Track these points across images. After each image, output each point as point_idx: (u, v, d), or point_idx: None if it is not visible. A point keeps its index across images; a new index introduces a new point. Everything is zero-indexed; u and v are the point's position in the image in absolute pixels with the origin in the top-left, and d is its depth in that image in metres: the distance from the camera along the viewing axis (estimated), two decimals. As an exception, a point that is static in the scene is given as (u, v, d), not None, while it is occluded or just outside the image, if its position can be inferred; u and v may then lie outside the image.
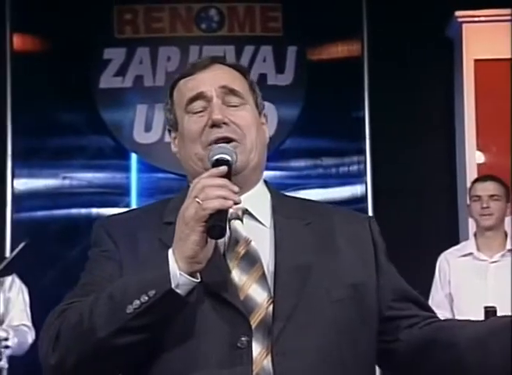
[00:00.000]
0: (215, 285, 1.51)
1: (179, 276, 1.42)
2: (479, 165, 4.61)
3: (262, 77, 4.93)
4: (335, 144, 4.97)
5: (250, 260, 1.56)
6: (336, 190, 4.94)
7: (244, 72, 1.69)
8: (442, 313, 3.90)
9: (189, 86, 1.63)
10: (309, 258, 1.58)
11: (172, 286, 1.41)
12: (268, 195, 1.69)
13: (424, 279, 4.00)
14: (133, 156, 4.94)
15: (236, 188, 1.44)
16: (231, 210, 1.51)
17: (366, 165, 4.90)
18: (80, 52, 4.92)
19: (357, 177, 4.93)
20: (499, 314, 3.52)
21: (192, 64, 1.68)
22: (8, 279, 3.96)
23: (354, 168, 4.95)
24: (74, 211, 4.89)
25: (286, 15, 5.01)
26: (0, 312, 3.87)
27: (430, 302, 3.92)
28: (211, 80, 1.62)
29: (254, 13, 5.03)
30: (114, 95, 4.94)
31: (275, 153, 4.77)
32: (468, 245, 4.04)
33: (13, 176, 4.90)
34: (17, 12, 4.94)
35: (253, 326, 1.50)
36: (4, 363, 3.84)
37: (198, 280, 1.44)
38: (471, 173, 4.51)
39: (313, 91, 4.95)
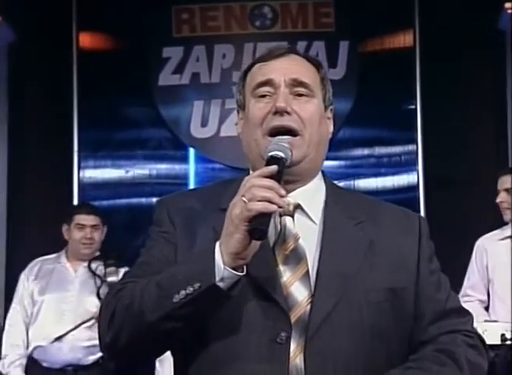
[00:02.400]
0: (260, 279, 1.53)
1: (223, 269, 1.44)
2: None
3: None
4: (387, 134, 5.05)
5: (297, 257, 1.57)
6: (388, 179, 5.01)
7: (318, 65, 1.68)
8: (476, 295, 4.03)
9: (261, 71, 1.64)
10: (353, 260, 1.57)
11: (217, 280, 1.44)
12: (324, 190, 1.67)
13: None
14: (191, 149, 5.10)
15: (283, 192, 1.44)
16: (284, 207, 1.51)
17: (418, 154, 4.96)
18: (141, 51, 5.11)
19: (408, 166, 4.99)
20: None
21: (269, 50, 1.67)
22: (123, 270, 4.13)
23: (406, 157, 5.02)
24: (135, 200, 5.07)
25: (338, 10, 5.10)
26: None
27: (465, 284, 4.08)
28: (284, 69, 1.62)
29: (306, 10, 5.14)
30: (172, 92, 5.10)
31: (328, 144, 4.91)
32: (507, 229, 4.05)
33: (79, 168, 5.11)
34: (83, 11, 5.15)
35: (292, 323, 1.51)
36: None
37: (242, 274, 1.46)
38: (524, 162, 4.56)
39: (365, 84, 5.01)
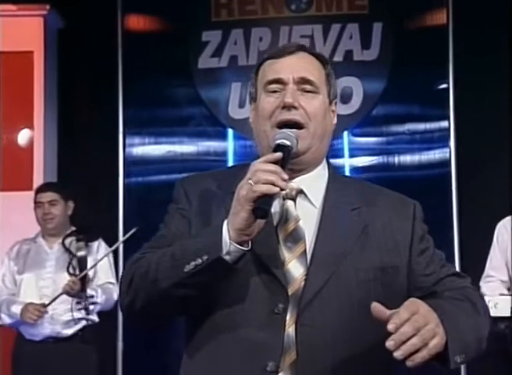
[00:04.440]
0: (263, 255, 1.65)
1: (229, 244, 1.56)
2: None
3: (349, 54, 5.11)
4: (419, 111, 5.09)
5: (296, 237, 1.68)
6: (421, 155, 5.07)
7: (325, 62, 1.80)
8: (498, 276, 4.06)
9: (272, 68, 1.76)
10: (347, 242, 1.69)
11: (223, 253, 1.56)
12: (326, 177, 1.79)
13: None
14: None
15: (285, 176, 1.55)
16: (286, 191, 1.66)
17: (450, 131, 5.02)
18: (182, 35, 5.25)
19: (441, 143, 5.06)
20: None
21: (280, 48, 1.80)
22: (95, 243, 4.40)
23: (439, 134, 5.07)
24: (176, 177, 5.19)
25: (372, -8, 5.11)
26: (90, 274, 4.27)
27: (488, 265, 4.11)
28: (292, 67, 1.73)
29: (340, -8, 5.17)
30: (211, 75, 5.20)
31: (363, 122, 5.06)
32: None
33: (124, 145, 5.27)
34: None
35: (289, 296, 1.63)
36: (94, 318, 4.29)
37: (247, 249, 1.57)
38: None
39: (398, 65, 5.06)
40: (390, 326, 1.43)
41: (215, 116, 5.23)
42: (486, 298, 2.98)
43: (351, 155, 5.16)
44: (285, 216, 1.70)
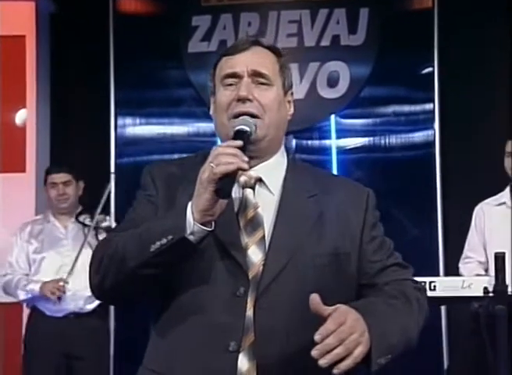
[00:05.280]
0: (225, 241, 1.72)
1: (193, 225, 1.62)
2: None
3: (336, 38, 5.19)
4: (405, 94, 5.17)
5: (255, 224, 1.76)
6: (406, 136, 5.17)
7: (279, 54, 1.87)
8: (476, 257, 4.25)
9: (228, 64, 1.83)
10: (303, 228, 1.76)
11: (187, 233, 1.63)
12: (285, 166, 1.86)
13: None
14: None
15: (245, 158, 1.63)
16: (245, 178, 1.76)
17: (435, 113, 5.09)
18: (172, 19, 5.32)
19: (426, 124, 5.13)
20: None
21: (234, 44, 1.88)
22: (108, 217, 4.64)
23: (424, 116, 5.14)
24: (167, 157, 5.17)
25: (358, -22, 5.16)
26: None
27: (466, 247, 4.30)
28: (246, 62, 1.81)
29: (328, -22, 5.21)
30: (200, 59, 5.21)
31: (349, 104, 5.15)
32: (503, 196, 4.27)
33: (116, 126, 5.37)
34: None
35: (250, 280, 1.71)
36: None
37: (210, 229, 1.64)
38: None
39: (384, 50, 5.13)
40: (316, 337, 1.51)
41: (203, 98, 5.25)
42: (462, 279, 3.20)
43: (338, 137, 5.26)
44: (244, 204, 1.77)
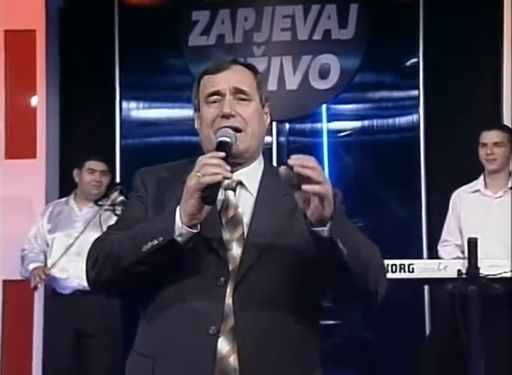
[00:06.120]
0: (209, 237, 1.85)
1: (181, 227, 1.77)
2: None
3: (327, 33, 5.39)
4: (392, 81, 5.41)
5: (235, 222, 1.90)
6: (394, 120, 5.40)
7: (255, 71, 2.02)
8: (453, 240, 4.48)
9: (210, 82, 1.96)
10: (277, 224, 1.89)
11: (176, 235, 1.76)
12: (262, 169, 2.01)
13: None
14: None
15: (228, 167, 1.76)
16: (228, 181, 1.87)
17: (420, 99, 5.30)
18: (173, 14, 5.53)
19: (411, 109, 5.36)
20: (493, 243, 4.07)
21: (215, 64, 2.00)
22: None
23: (409, 102, 5.38)
24: (168, 139, 5.56)
25: (348, -25, 5.34)
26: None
27: (444, 231, 4.54)
28: (227, 80, 1.94)
29: (320, -25, 5.38)
30: (200, 52, 5.44)
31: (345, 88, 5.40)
32: (478, 183, 4.48)
33: (121, 109, 5.61)
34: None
35: (230, 271, 1.84)
36: None
37: (196, 231, 1.78)
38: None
39: (373, 43, 5.33)
40: (289, 161, 1.66)
41: None
42: (438, 262, 3.46)
43: (329, 121, 5.50)
44: (226, 204, 1.91)
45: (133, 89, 5.64)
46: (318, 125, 5.52)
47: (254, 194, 1.95)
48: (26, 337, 5.01)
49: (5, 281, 5.11)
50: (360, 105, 5.50)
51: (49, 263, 4.73)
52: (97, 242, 1.93)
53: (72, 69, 5.73)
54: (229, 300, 1.84)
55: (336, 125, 5.53)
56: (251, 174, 1.99)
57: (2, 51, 5.42)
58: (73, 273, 4.61)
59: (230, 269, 1.86)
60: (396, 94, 5.44)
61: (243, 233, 1.89)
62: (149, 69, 5.62)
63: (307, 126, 5.56)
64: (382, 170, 5.27)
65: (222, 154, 1.79)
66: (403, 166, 5.33)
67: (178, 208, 1.79)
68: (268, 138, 5.32)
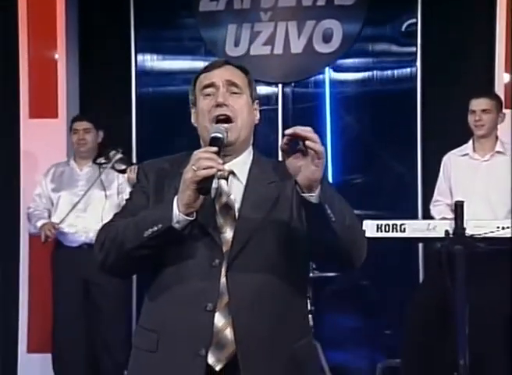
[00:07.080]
0: (205, 222, 2.00)
1: (178, 215, 1.91)
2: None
3: None
4: (392, 39, 5.60)
5: (228, 208, 2.05)
6: (393, 72, 5.62)
7: (246, 72, 2.19)
8: (444, 200, 4.65)
9: (206, 77, 2.14)
10: (264, 209, 2.04)
11: (173, 222, 1.91)
12: (251, 160, 2.15)
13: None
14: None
15: (220, 161, 1.90)
16: (220, 172, 1.99)
17: (417, 53, 5.49)
18: None
19: (410, 63, 5.56)
20: (484, 202, 4.33)
21: (210, 64, 2.18)
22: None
23: (408, 58, 5.58)
24: (179, 88, 5.65)
25: None
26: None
27: (436, 191, 4.71)
28: (221, 75, 2.13)
29: None
30: (210, 17, 5.67)
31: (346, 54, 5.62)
32: (467, 147, 4.64)
33: (136, 60, 5.88)
34: None
35: (224, 253, 1.99)
36: None
37: (192, 218, 1.92)
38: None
39: (373, 8, 5.47)
40: (287, 131, 1.83)
41: (211, 50, 5.71)
42: (427, 222, 3.59)
43: (334, 70, 5.75)
44: (219, 192, 2.07)
45: (148, 42, 5.87)
46: (321, 76, 5.69)
47: (244, 182, 2.11)
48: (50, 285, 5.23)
49: (30, 235, 5.38)
50: (362, 59, 5.67)
51: (55, 219, 5.00)
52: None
53: (90, 29, 5.96)
54: (223, 279, 1.99)
55: (340, 75, 5.76)
56: (241, 164, 2.14)
57: (25, 11, 5.63)
58: (81, 228, 4.95)
59: (224, 251, 2.01)
60: (396, 48, 5.64)
61: (234, 217, 2.04)
62: (163, 25, 5.83)
63: (311, 81, 5.78)
64: (380, 124, 5.46)
65: (215, 148, 1.94)
66: (402, 120, 5.52)
67: (175, 198, 1.94)
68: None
